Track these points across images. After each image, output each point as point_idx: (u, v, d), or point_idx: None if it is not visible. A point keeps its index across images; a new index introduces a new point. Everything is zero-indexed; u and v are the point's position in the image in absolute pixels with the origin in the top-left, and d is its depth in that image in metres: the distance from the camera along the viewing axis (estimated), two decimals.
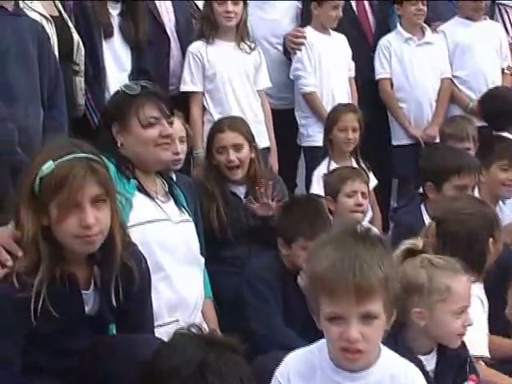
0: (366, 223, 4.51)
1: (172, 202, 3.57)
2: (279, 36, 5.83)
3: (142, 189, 3.46)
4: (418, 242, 3.00)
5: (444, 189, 4.28)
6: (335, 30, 5.88)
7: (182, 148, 4.37)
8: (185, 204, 3.65)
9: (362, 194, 4.57)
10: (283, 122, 5.66)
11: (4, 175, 3.63)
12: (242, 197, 4.49)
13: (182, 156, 4.38)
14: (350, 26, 6.04)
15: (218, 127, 4.57)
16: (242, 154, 4.46)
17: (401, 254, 2.93)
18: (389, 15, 6.32)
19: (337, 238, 2.42)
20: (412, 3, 5.99)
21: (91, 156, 2.67)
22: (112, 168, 3.29)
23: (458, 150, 4.78)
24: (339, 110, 5.31)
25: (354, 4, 6.18)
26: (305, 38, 5.73)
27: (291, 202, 4.22)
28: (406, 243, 2.97)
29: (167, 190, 3.59)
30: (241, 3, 5.27)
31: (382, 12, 6.30)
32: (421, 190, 4.52)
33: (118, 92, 3.56)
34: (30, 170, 2.66)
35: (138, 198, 3.45)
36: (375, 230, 3.03)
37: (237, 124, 4.56)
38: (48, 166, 2.59)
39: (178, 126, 4.16)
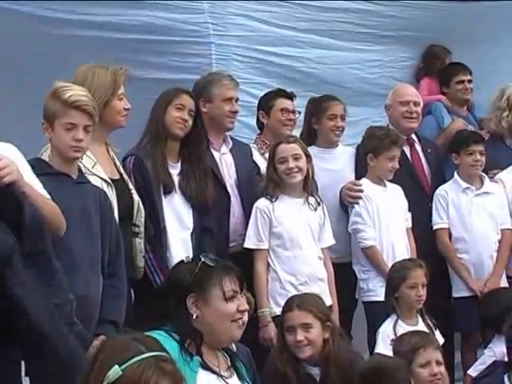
0: None
1: (235, 376, 3.30)
2: (340, 186, 5.61)
3: (205, 365, 3.19)
4: None
5: None
6: (392, 180, 5.66)
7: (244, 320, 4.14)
8: (247, 378, 3.38)
9: (437, 362, 4.21)
10: (339, 276, 5.36)
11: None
12: (318, 378, 4.18)
13: (243, 326, 4.15)
14: (406, 176, 5.81)
15: (288, 305, 4.33)
16: (311, 334, 4.18)
17: None
18: (444, 164, 6.13)
19: None
20: (469, 154, 5.78)
21: (159, 354, 2.40)
22: (175, 347, 3.09)
23: None
24: (407, 266, 5.00)
25: (408, 153, 6.02)
26: (361, 191, 5.53)
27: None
28: None
29: (229, 364, 3.33)
30: (303, 158, 5.09)
31: (436, 161, 6.10)
32: (496, 354, 4.21)
33: (192, 262, 3.33)
34: (92, 374, 2.34)
35: (202, 375, 3.17)
36: None
37: (308, 302, 4.30)
38: (115, 373, 2.27)
39: None
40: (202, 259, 3.29)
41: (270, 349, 5.00)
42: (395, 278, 4.96)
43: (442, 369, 4.24)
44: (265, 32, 6.42)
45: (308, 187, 5.14)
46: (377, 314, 5.19)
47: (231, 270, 3.30)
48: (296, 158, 5.06)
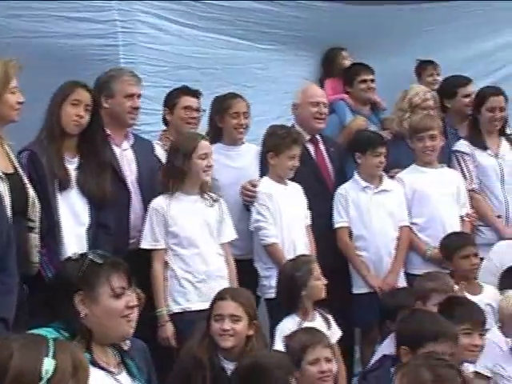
0: None
1: (125, 373, 3.25)
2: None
3: (94, 362, 3.11)
4: None
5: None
6: (296, 178, 5.68)
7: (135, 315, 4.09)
8: (137, 374, 3.32)
9: (326, 359, 4.23)
10: (241, 272, 5.34)
11: None
12: (229, 373, 4.17)
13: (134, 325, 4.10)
14: (310, 174, 5.85)
15: (221, 294, 4.37)
16: (238, 326, 4.23)
17: None
18: (346, 163, 6.17)
19: None
20: (375, 156, 5.81)
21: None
22: None
23: (437, 315, 4.33)
24: (308, 260, 5.04)
25: (312, 152, 6.05)
26: (256, 192, 5.52)
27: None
28: None
29: (119, 360, 3.27)
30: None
31: (339, 160, 6.14)
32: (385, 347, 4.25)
33: (79, 259, 3.23)
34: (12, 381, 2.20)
35: (92, 372, 3.16)
36: None
37: (242, 296, 4.36)
38: (50, 364, 2.22)
39: None
40: (89, 256, 3.24)
41: (168, 348, 5.00)
42: (301, 274, 4.91)
43: (331, 366, 4.25)
44: (171, 31, 6.38)
45: (203, 184, 5.14)
46: (277, 310, 5.16)
47: (120, 266, 3.24)
48: (211, 156, 5.11)
